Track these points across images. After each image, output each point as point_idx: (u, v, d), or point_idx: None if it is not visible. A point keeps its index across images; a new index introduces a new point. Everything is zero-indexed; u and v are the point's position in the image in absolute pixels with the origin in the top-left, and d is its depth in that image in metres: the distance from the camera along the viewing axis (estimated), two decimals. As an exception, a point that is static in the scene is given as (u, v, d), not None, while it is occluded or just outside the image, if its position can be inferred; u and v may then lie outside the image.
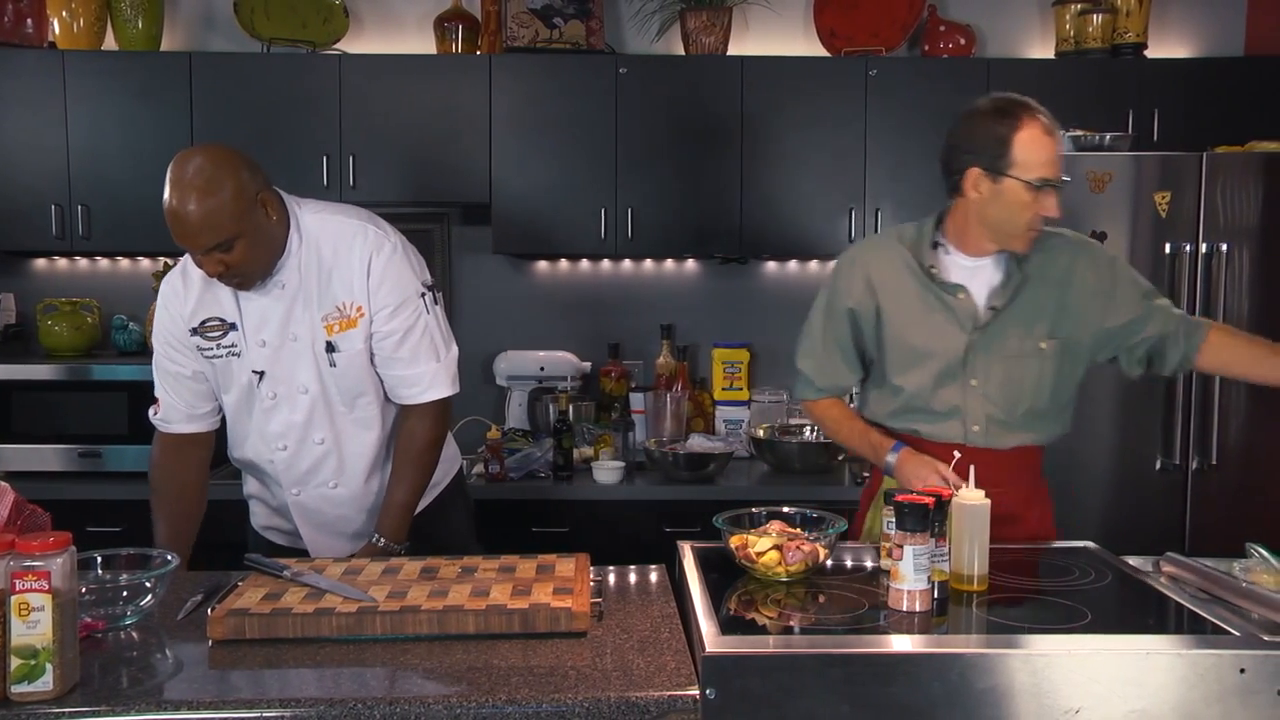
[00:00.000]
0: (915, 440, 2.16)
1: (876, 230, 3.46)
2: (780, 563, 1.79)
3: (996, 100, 2.12)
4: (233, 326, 2.12)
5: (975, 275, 2.15)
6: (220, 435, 2.29)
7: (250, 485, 2.35)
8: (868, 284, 2.19)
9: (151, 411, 2.22)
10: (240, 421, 2.19)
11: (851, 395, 2.61)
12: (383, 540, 2.11)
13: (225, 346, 2.12)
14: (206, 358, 2.14)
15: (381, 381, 2.18)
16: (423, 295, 2.16)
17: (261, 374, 2.11)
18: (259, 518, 2.36)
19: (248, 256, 1.99)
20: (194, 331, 2.13)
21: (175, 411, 2.19)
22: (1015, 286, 2.12)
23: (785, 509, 1.96)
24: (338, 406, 2.15)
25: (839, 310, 2.22)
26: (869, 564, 1.94)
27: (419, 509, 2.19)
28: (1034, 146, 2.03)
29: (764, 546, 1.80)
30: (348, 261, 2.11)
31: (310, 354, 2.11)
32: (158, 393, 2.21)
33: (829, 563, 1.89)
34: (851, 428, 2.23)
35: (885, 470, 2.14)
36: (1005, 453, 2.13)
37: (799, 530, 1.87)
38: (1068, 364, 2.16)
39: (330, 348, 2.11)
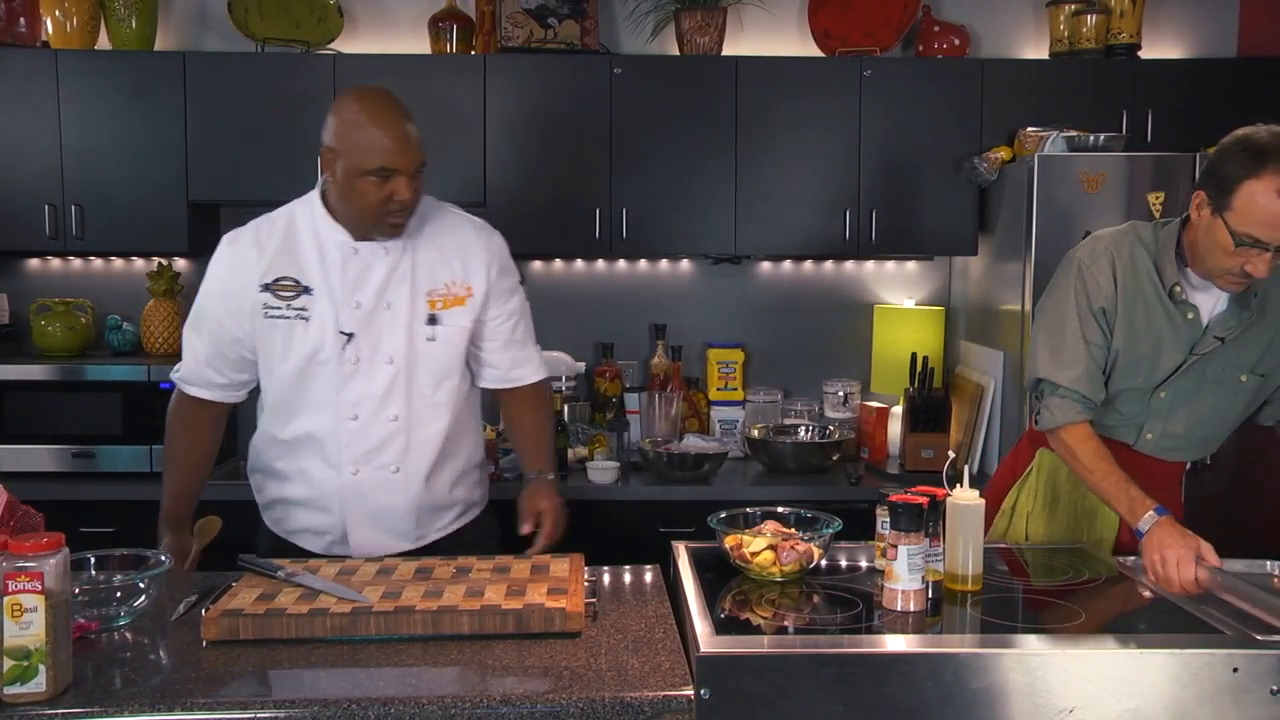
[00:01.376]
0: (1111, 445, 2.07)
1: (871, 231, 3.47)
2: (775, 563, 1.79)
3: (1261, 138, 1.88)
4: (306, 290, 2.08)
5: (1207, 295, 2.05)
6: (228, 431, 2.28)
7: (276, 489, 2.23)
8: (1114, 280, 2.05)
9: (175, 367, 2.20)
10: (298, 392, 2.11)
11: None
12: (550, 475, 2.21)
13: (295, 308, 2.08)
14: (270, 317, 2.08)
15: (473, 369, 2.22)
16: (521, 283, 2.29)
17: (351, 336, 2.07)
18: (290, 521, 2.22)
19: (421, 190, 2.07)
20: (265, 288, 2.08)
21: (195, 374, 2.16)
22: (1247, 321, 2.03)
23: (779, 509, 1.97)
24: (420, 385, 2.12)
25: (1092, 309, 2.05)
26: (864, 563, 1.94)
27: (458, 528, 2.22)
28: (1258, 201, 1.85)
29: (759, 546, 1.81)
30: (464, 241, 2.16)
31: (405, 324, 2.09)
32: (184, 350, 2.18)
33: (823, 562, 1.89)
34: (1109, 470, 1.99)
35: (1136, 531, 1.93)
36: (1163, 463, 2.13)
37: (793, 530, 1.88)
38: (1256, 398, 2.13)
39: (433, 320, 2.11)
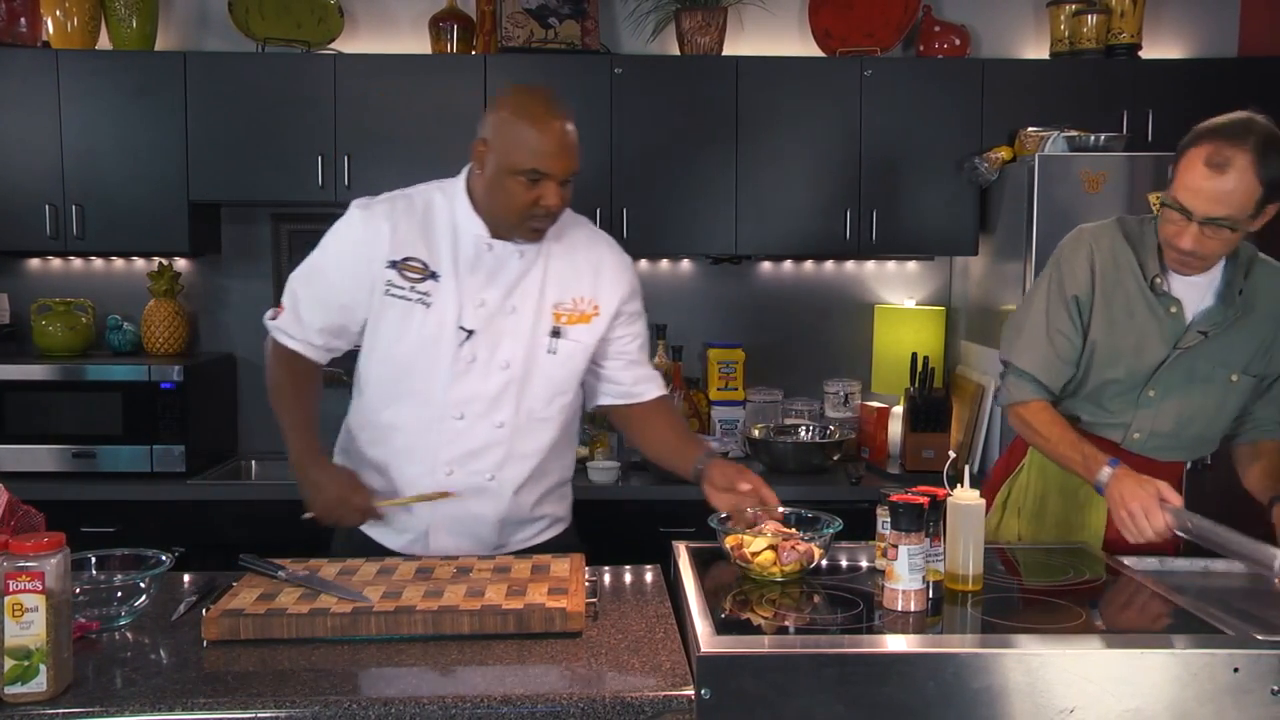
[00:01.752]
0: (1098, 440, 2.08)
1: (872, 231, 3.47)
2: (775, 563, 1.79)
3: (1218, 118, 1.92)
4: (433, 275, 2.02)
5: (1191, 290, 2.05)
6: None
7: (365, 476, 2.12)
8: (1091, 272, 2.07)
9: (270, 314, 2.12)
10: (405, 378, 2.05)
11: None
12: (714, 455, 2.11)
13: (419, 292, 2.01)
14: (391, 295, 2.02)
15: (588, 386, 2.18)
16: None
17: (471, 333, 2.01)
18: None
19: (569, 199, 2.01)
20: (393, 264, 2.01)
21: (291, 326, 2.08)
22: (1232, 318, 2.04)
23: (780, 509, 1.96)
24: (532, 396, 2.06)
25: (1065, 297, 2.08)
26: (864, 563, 1.94)
27: (539, 543, 2.15)
28: (1188, 167, 1.90)
29: (759, 546, 1.81)
30: (599, 258, 2.12)
31: (527, 332, 2.04)
32: (286, 302, 2.10)
33: (824, 562, 1.89)
34: (1063, 434, 2.05)
35: (1096, 486, 1.99)
36: (1158, 464, 2.11)
37: (794, 530, 1.88)
38: (1249, 399, 2.12)
39: (556, 333, 2.06)
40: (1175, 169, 1.93)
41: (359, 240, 2.04)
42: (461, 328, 2.01)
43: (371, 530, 2.11)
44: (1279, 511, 2.00)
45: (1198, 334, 2.04)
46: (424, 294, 2.01)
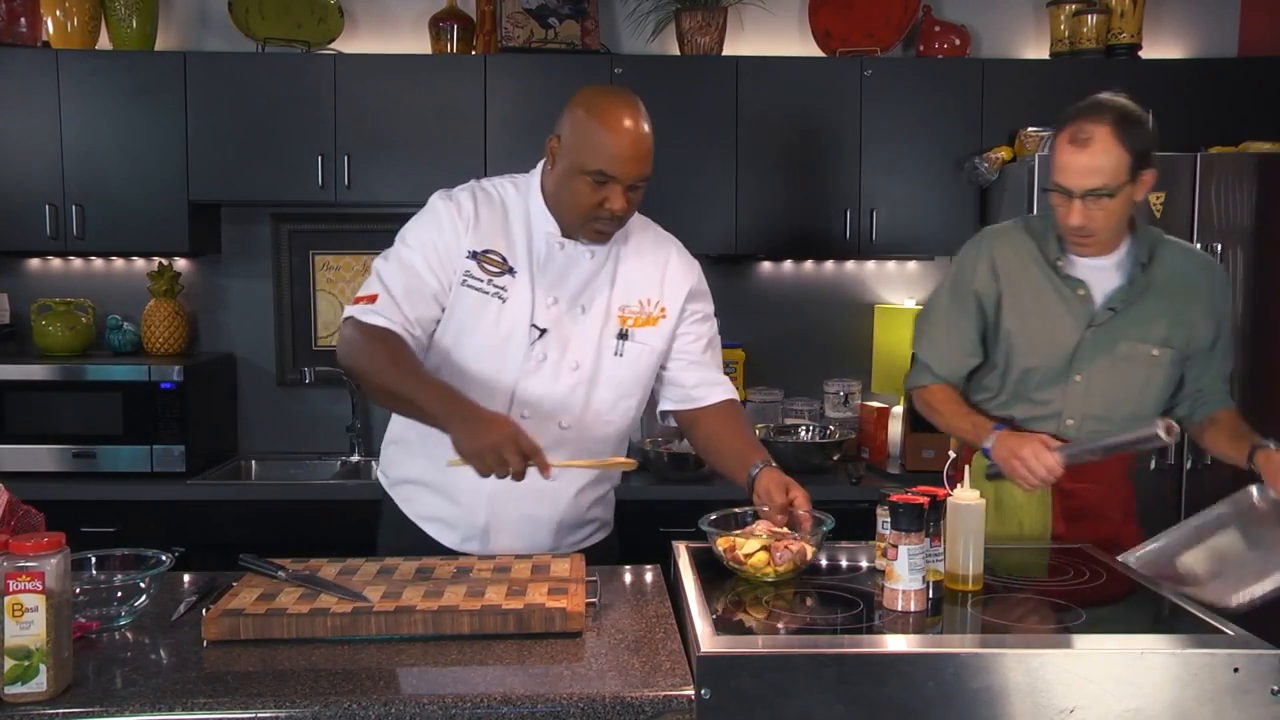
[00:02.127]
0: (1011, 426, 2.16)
1: (872, 231, 3.47)
2: (770, 563, 1.79)
3: (1080, 102, 2.09)
4: (511, 270, 2.00)
5: (1098, 274, 2.15)
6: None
7: (417, 468, 2.09)
8: (992, 269, 2.19)
9: (355, 305, 1.97)
10: (474, 371, 2.00)
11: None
12: (770, 464, 2.00)
13: (496, 285, 1.99)
14: (469, 286, 1.99)
15: (655, 391, 2.15)
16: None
17: (543, 331, 1.99)
18: (426, 506, 2.10)
19: (638, 204, 2.00)
20: (473, 255, 1.99)
21: (393, 311, 1.95)
22: (1137, 292, 2.12)
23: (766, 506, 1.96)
24: (599, 398, 2.04)
25: (964, 293, 2.22)
26: (864, 563, 1.94)
27: (586, 546, 2.13)
28: (1058, 149, 2.05)
29: (752, 548, 1.80)
30: (666, 261, 2.11)
31: (596, 333, 2.03)
32: (377, 290, 1.97)
33: (823, 562, 1.89)
34: (956, 409, 2.22)
35: (983, 450, 2.13)
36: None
37: (785, 529, 1.87)
38: (1176, 374, 2.18)
39: (623, 335, 2.04)
40: (1051, 157, 2.07)
41: (441, 228, 2.01)
42: (534, 325, 2.00)
43: (429, 526, 2.08)
44: (1262, 458, 2.02)
45: (1107, 310, 2.12)
46: (501, 288, 1.99)
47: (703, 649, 1.47)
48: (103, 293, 3.73)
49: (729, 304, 3.83)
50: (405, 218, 2.10)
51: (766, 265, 3.84)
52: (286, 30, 3.58)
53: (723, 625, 1.59)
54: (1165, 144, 3.34)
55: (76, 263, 3.77)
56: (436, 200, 2.06)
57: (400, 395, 1.87)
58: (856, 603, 1.72)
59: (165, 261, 3.65)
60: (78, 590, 1.61)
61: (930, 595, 1.69)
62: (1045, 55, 3.72)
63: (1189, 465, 3.16)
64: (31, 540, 1.39)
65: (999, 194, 3.39)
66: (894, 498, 1.69)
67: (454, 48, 3.61)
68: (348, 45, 3.67)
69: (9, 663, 1.37)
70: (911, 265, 3.87)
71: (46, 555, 1.39)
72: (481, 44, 3.59)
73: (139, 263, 3.75)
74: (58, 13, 3.48)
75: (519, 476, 1.75)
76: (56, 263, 3.77)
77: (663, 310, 2.08)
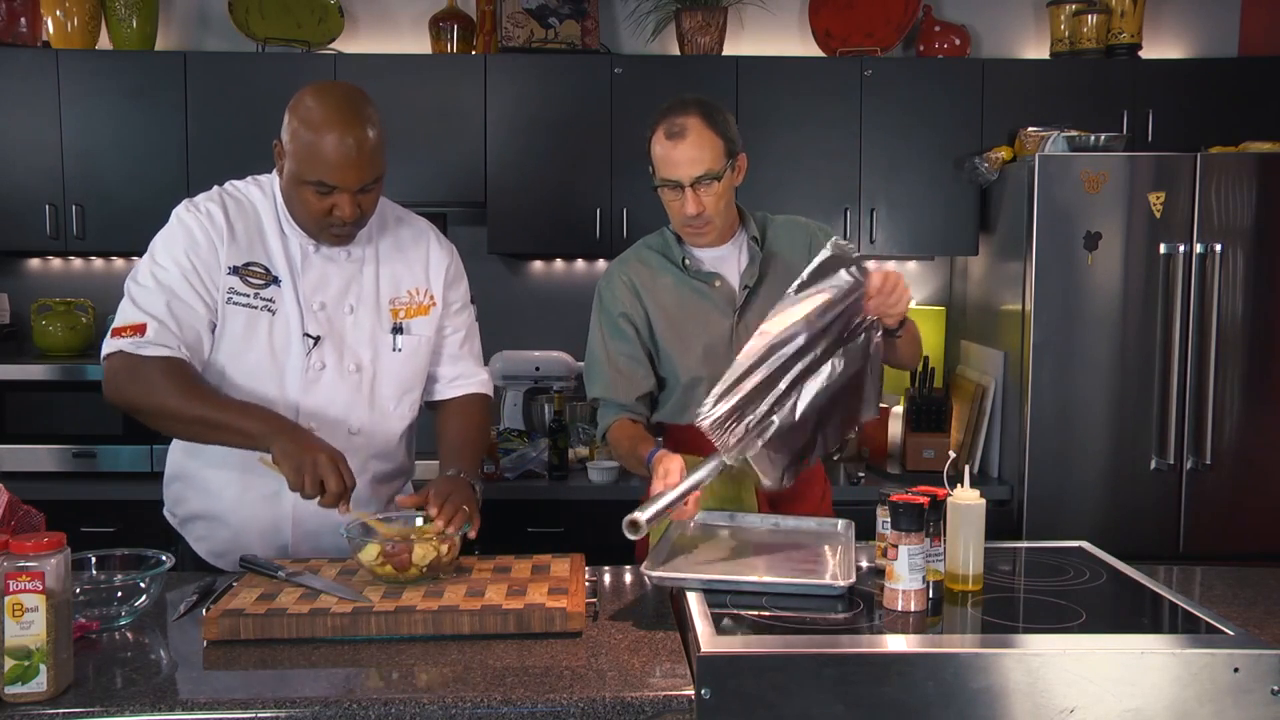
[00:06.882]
0: (694, 430, 2.00)
1: (872, 231, 3.47)
2: (383, 562, 1.75)
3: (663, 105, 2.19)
4: (275, 280, 1.94)
5: (725, 262, 2.24)
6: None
7: (206, 501, 2.03)
8: (632, 289, 2.22)
9: (119, 342, 1.85)
10: (257, 388, 1.93)
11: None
12: (462, 472, 1.97)
13: (263, 299, 1.92)
14: (235, 304, 1.91)
15: (428, 382, 2.15)
16: (472, 302, 2.24)
17: (317, 339, 1.95)
18: (215, 541, 2.04)
19: (375, 203, 1.94)
20: (234, 271, 1.91)
21: (169, 338, 1.86)
22: (761, 264, 2.21)
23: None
24: (383, 397, 2.03)
25: (613, 321, 2.21)
26: (864, 564, 1.94)
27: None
28: (657, 150, 2.13)
29: (370, 555, 1.76)
30: (425, 250, 2.11)
31: (369, 331, 2.01)
32: (147, 318, 1.85)
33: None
34: (630, 446, 2.10)
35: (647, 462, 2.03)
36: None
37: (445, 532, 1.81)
38: None
39: (398, 329, 2.03)
40: (651, 160, 2.15)
41: (201, 241, 1.91)
42: (307, 335, 1.95)
43: (216, 559, 2.03)
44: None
45: (744, 290, 2.20)
46: (269, 300, 1.93)
47: (703, 649, 1.47)
48: (103, 293, 3.72)
49: (729, 304, 3.85)
50: (405, 217, 2.10)
51: (766, 265, 3.84)
52: (286, 30, 3.58)
53: (723, 625, 1.58)
54: (1165, 144, 3.38)
55: (76, 263, 3.77)
56: (184, 213, 1.95)
57: (210, 422, 1.82)
58: (856, 603, 1.72)
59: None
60: (78, 590, 1.61)
61: (930, 595, 1.69)
62: (1045, 55, 3.72)
63: (1189, 465, 3.16)
64: (31, 540, 1.39)
65: (999, 194, 3.39)
66: (894, 498, 1.69)
67: (454, 48, 3.61)
68: (348, 45, 3.67)
69: (9, 662, 1.38)
70: (911, 265, 3.87)
71: (46, 555, 1.39)
72: (481, 44, 3.59)
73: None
74: (58, 13, 3.48)
75: (330, 501, 1.74)
76: (56, 263, 3.77)
77: (432, 299, 2.10)
